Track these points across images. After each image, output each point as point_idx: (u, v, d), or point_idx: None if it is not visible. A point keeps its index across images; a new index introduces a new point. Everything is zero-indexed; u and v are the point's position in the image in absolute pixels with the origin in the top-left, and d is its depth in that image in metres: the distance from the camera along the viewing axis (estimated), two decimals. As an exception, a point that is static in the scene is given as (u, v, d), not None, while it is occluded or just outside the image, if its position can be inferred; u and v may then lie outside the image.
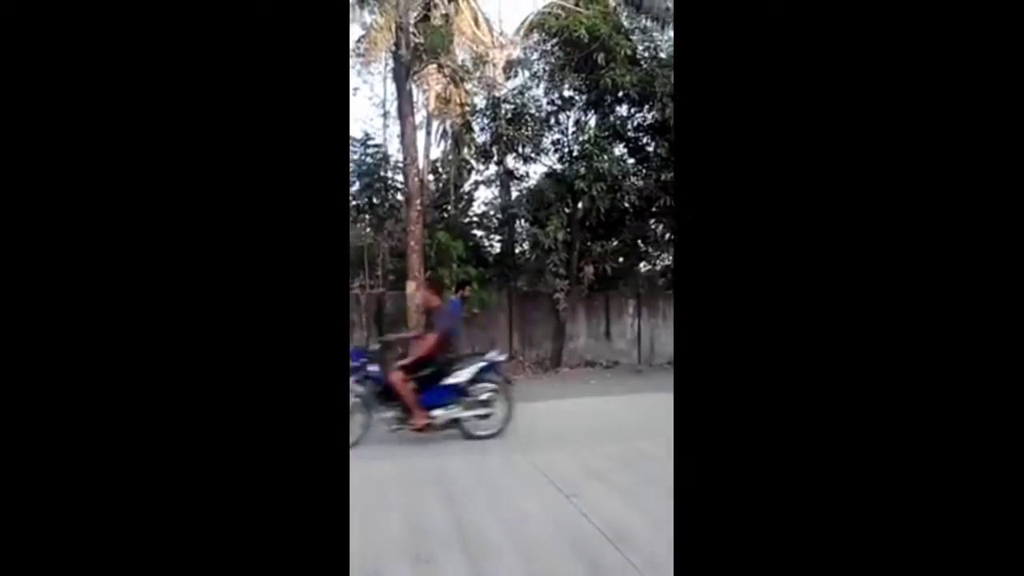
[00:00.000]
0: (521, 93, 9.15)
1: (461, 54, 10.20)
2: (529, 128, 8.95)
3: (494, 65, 9.80)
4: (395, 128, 8.97)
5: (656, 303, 9.87)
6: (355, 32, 9.76)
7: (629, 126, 9.29)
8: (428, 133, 11.48)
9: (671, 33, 9.48)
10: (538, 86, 9.23)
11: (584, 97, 9.00)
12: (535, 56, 9.36)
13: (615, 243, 9.58)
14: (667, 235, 9.63)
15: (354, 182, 9.17)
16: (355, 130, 9.97)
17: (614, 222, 9.19)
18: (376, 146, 9.87)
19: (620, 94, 8.67)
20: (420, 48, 8.14)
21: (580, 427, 5.31)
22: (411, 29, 8.00)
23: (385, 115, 10.91)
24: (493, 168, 10.26)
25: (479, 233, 10.93)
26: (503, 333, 9.20)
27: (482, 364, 4.84)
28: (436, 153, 12.00)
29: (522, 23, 10.91)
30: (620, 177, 8.40)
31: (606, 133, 8.79)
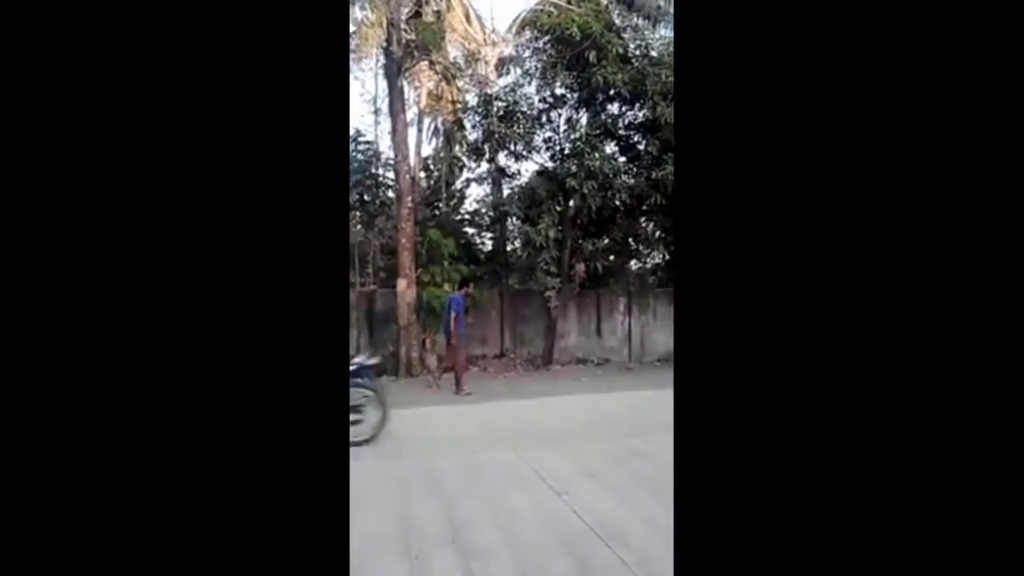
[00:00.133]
0: (513, 91, 9.14)
1: (453, 51, 10.18)
2: (521, 126, 8.95)
3: (486, 62, 9.79)
4: (386, 125, 8.95)
5: (647, 301, 9.91)
6: (346, 28, 9.69)
7: (620, 124, 9.32)
8: (419, 130, 11.45)
9: (662, 32, 9.52)
10: (530, 84, 9.23)
11: (576, 95, 9.01)
12: (527, 54, 9.36)
13: (606, 241, 9.61)
14: (658, 233, 9.67)
15: (345, 179, 9.11)
16: (346, 127, 9.90)
17: (605, 220, 9.22)
18: (367, 143, 9.86)
19: (611, 92, 8.69)
20: (412, 45, 8.10)
21: (571, 424, 5.33)
22: (402, 25, 7.97)
23: (376, 112, 10.89)
24: (485, 166, 10.27)
25: (471, 231, 10.94)
26: (494, 331, 9.21)
27: (350, 368, 4.56)
28: (427, 150, 12.00)
29: (514, 20, 10.93)
30: (611, 175, 8.43)
31: (597, 131, 8.80)
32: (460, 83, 10.16)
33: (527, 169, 9.82)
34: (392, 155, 9.00)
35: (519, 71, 9.45)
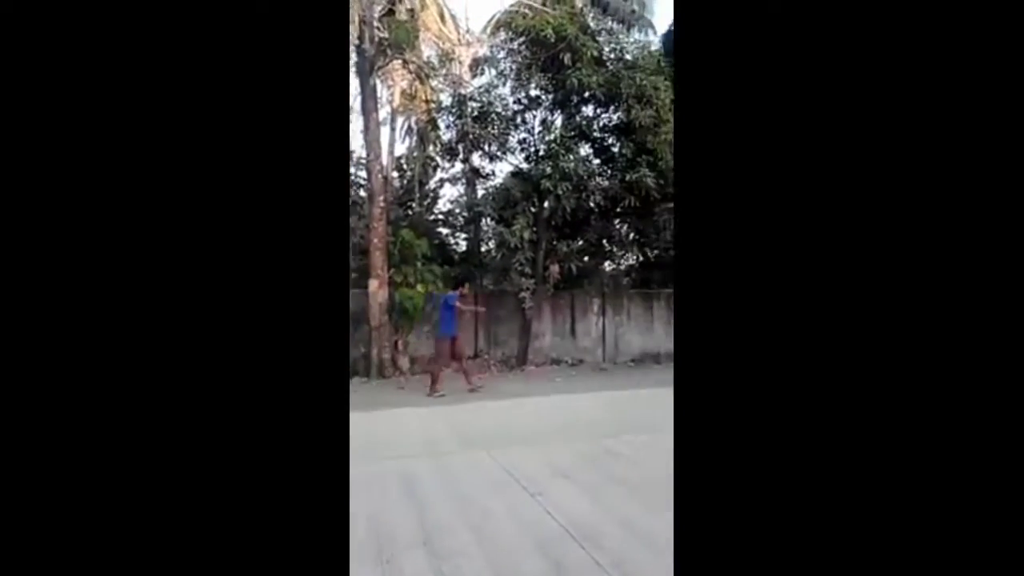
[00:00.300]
0: (487, 91, 9.11)
1: (427, 50, 10.11)
2: (495, 126, 8.92)
3: (460, 62, 9.74)
4: (358, 123, 8.80)
5: (620, 302, 9.98)
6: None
7: (595, 127, 9.37)
8: (392, 129, 11.36)
9: (636, 36, 9.63)
10: (504, 85, 9.21)
11: (550, 97, 9.03)
12: (502, 54, 9.34)
13: (580, 242, 9.64)
14: (631, 235, 9.75)
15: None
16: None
17: (579, 222, 9.25)
18: (339, 141, 9.67)
19: (586, 94, 8.73)
20: (384, 43, 8.01)
21: (545, 425, 5.31)
22: (375, 23, 7.87)
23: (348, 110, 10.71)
24: (459, 166, 10.21)
25: (444, 231, 10.87)
26: (468, 332, 9.15)
27: None
28: (401, 150, 11.88)
29: (489, 21, 10.92)
30: (586, 177, 8.45)
31: (572, 133, 8.84)
32: (434, 83, 10.09)
33: (501, 170, 9.82)
34: (364, 154, 8.88)
35: (494, 72, 9.43)
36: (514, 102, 9.17)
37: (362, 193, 9.29)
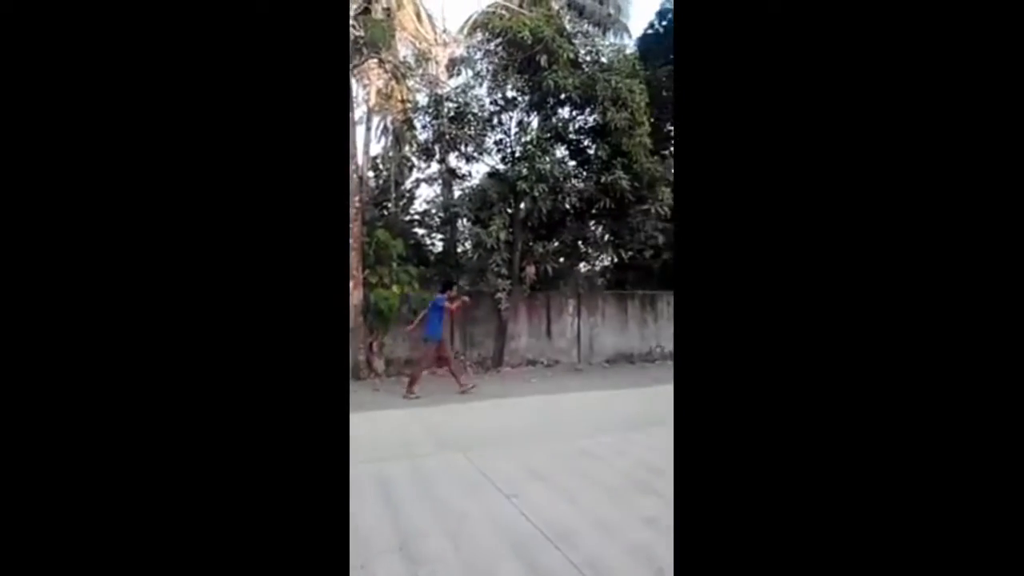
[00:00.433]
0: (464, 92, 9.08)
1: (403, 50, 10.04)
2: (472, 127, 8.90)
3: (437, 62, 9.71)
4: (333, 122, 8.67)
5: (595, 303, 10.06)
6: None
7: (571, 128, 9.41)
8: (368, 129, 11.21)
9: (612, 39, 9.71)
10: (481, 85, 9.20)
11: (527, 98, 9.04)
12: (478, 55, 9.32)
13: (556, 244, 9.68)
14: (607, 236, 9.83)
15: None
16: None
17: (555, 223, 9.29)
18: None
19: (562, 96, 8.77)
20: (360, 41, 7.93)
21: (521, 426, 5.33)
22: (351, 22, 7.79)
23: (323, 108, 10.55)
24: (435, 166, 10.16)
25: (420, 232, 10.79)
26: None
27: None
28: (376, 149, 11.76)
29: (466, 21, 10.90)
30: (561, 179, 8.49)
31: (548, 135, 8.87)
32: (410, 82, 10.02)
33: (478, 171, 9.81)
34: (339, 153, 8.76)
35: (470, 72, 9.40)
36: (491, 103, 9.16)
37: (337, 193, 9.18)
